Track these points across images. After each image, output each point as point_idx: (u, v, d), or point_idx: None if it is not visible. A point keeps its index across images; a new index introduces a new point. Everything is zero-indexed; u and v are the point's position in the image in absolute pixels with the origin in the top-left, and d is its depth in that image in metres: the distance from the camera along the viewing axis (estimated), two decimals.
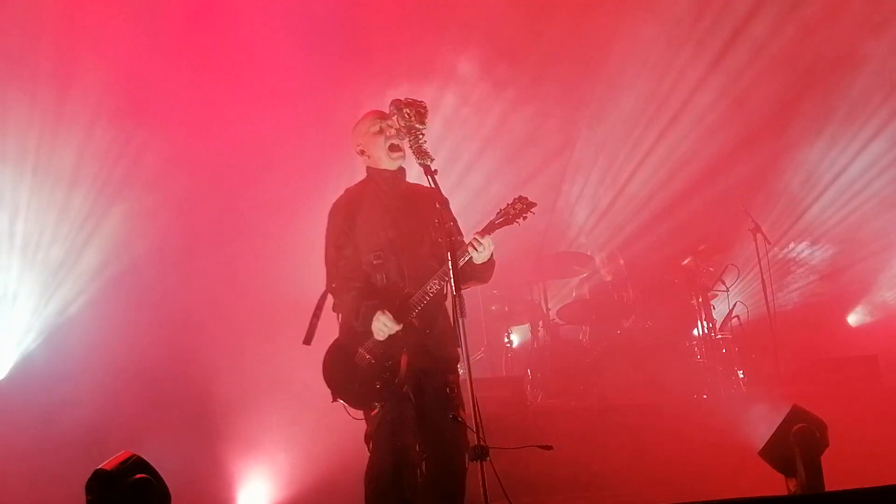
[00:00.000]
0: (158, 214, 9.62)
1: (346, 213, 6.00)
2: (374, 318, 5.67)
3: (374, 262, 5.83)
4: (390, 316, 5.65)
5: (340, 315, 5.95)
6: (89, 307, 9.41)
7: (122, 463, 5.03)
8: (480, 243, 5.61)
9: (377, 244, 5.87)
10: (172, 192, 9.56)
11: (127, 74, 9.42)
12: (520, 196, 5.74)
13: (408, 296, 5.73)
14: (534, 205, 5.70)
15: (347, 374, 5.75)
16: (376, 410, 5.66)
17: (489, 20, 11.13)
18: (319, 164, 9.31)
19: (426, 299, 5.68)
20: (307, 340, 5.89)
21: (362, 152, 6.06)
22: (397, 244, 5.86)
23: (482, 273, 5.89)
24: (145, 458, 5.19)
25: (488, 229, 5.66)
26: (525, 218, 5.69)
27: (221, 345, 9.19)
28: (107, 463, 5.04)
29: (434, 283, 5.63)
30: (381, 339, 5.67)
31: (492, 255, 5.77)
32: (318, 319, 5.92)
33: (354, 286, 5.83)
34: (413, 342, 5.72)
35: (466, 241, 5.66)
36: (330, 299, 6.00)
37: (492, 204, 6.15)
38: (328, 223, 6.08)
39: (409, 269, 5.82)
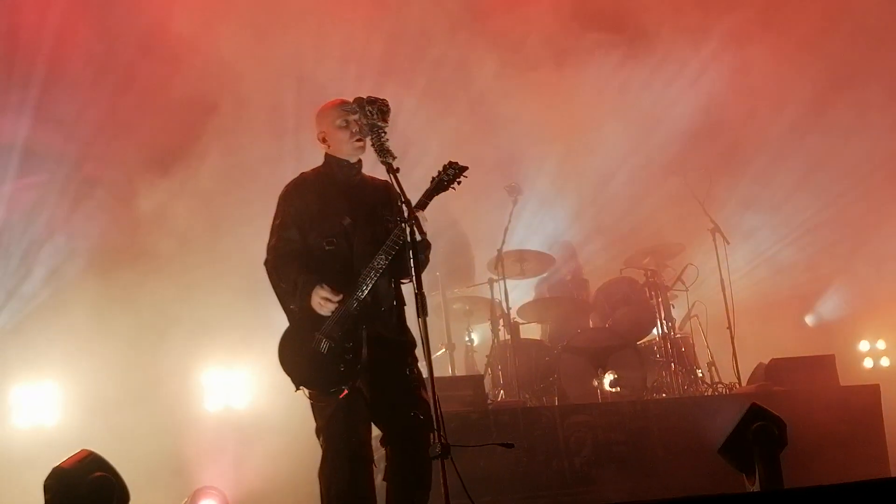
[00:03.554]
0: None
1: (296, 196, 5.94)
2: (312, 294, 5.58)
3: (327, 247, 5.78)
4: (329, 287, 5.57)
5: (283, 303, 5.85)
6: (52, 301, 9.38)
7: (81, 461, 4.97)
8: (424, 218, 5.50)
9: (331, 230, 5.81)
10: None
11: None
12: (451, 161, 5.68)
13: (357, 273, 5.62)
14: (465, 168, 5.65)
15: (307, 361, 5.60)
16: (344, 393, 5.53)
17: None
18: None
19: (375, 275, 5.58)
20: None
21: (324, 140, 6.02)
22: (350, 231, 5.80)
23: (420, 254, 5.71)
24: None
25: (424, 199, 5.58)
26: (459, 182, 5.65)
27: (185, 343, 9.17)
28: (65, 461, 4.98)
29: (380, 258, 5.55)
30: (325, 313, 5.56)
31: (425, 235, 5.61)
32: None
33: (292, 264, 5.75)
34: (369, 321, 5.64)
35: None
36: None
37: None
38: (277, 205, 6.00)
39: (360, 252, 5.73)
